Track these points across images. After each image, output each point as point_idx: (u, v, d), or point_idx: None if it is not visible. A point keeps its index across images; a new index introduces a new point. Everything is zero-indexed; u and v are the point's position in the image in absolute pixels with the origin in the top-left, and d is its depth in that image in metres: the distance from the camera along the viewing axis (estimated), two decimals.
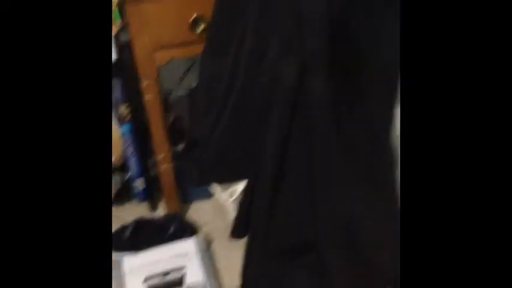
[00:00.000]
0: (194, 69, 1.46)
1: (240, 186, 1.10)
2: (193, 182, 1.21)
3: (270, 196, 1.03)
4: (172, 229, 1.34)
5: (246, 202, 1.06)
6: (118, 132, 1.31)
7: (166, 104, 1.46)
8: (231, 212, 1.17)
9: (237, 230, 1.11)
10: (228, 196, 1.15)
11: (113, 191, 1.40)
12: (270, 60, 0.98)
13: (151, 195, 1.43)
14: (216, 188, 1.19)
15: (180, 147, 1.37)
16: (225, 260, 1.32)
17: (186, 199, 1.44)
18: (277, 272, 1.12)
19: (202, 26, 1.10)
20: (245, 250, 1.13)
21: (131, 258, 1.29)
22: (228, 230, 1.28)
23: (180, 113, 1.49)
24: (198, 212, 1.44)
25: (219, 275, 1.28)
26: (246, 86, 1.01)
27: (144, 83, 1.16)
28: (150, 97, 1.19)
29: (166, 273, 1.24)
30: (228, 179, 1.14)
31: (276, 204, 1.04)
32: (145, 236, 1.36)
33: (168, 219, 1.38)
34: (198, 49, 1.15)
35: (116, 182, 1.43)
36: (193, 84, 1.56)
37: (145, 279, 1.23)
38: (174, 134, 1.42)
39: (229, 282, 1.27)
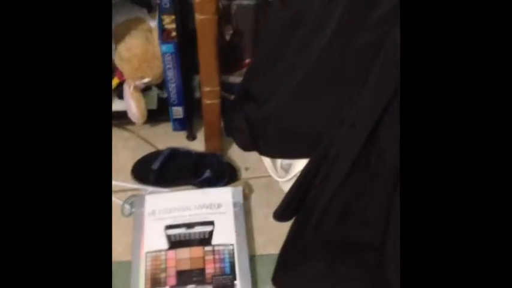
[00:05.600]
0: None
1: (299, 164, 0.85)
2: (240, 145, 0.96)
3: (339, 183, 0.79)
4: (208, 172, 1.13)
5: (303, 186, 0.82)
6: (158, 49, 1.04)
7: (226, 14, 1.16)
8: (281, 188, 0.94)
9: (283, 212, 0.89)
10: (281, 171, 0.91)
11: (147, 108, 1.17)
12: (379, 16, 0.68)
13: (190, 123, 1.20)
14: (265, 158, 0.95)
15: (233, 78, 1.10)
16: (262, 219, 1.12)
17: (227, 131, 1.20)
18: (324, 262, 0.93)
19: None
20: (292, 230, 0.93)
21: (155, 198, 1.12)
22: (271, 181, 1.07)
23: (241, 26, 1.19)
24: (241, 151, 1.22)
25: (252, 237, 1.09)
26: (338, 39, 0.72)
27: None
28: (204, 18, 0.90)
29: (191, 225, 1.06)
30: (285, 154, 0.89)
31: (344, 193, 0.81)
32: (176, 171, 1.16)
33: (206, 158, 1.17)
34: None
35: (151, 99, 1.21)
36: None
37: (167, 228, 1.06)
38: (228, 54, 1.15)
39: (262, 247, 1.09)
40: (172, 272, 1.01)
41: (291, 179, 0.87)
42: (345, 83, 0.74)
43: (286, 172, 0.93)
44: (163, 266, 1.01)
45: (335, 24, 0.69)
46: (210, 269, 1.01)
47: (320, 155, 0.77)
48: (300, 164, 0.84)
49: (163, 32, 1.02)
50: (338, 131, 0.75)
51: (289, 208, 0.88)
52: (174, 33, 1.01)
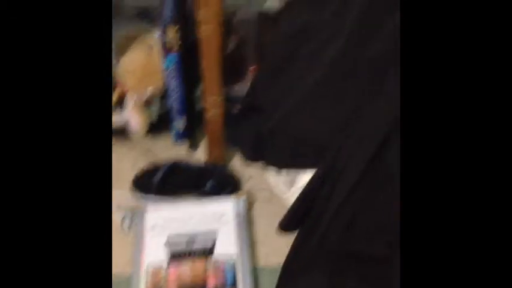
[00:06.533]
0: None
1: (304, 177, 0.85)
2: (245, 156, 0.96)
3: (346, 194, 0.78)
4: (210, 183, 1.13)
5: (309, 196, 0.81)
6: (160, 61, 1.04)
7: (228, 25, 1.16)
8: (285, 201, 0.94)
9: (288, 222, 0.88)
10: (286, 184, 0.90)
11: (148, 121, 1.17)
12: (391, 27, 0.68)
13: (192, 135, 1.20)
14: (269, 171, 0.94)
15: (237, 89, 1.10)
16: (264, 229, 1.11)
17: (232, 143, 1.20)
18: (325, 275, 0.92)
19: None
20: (296, 241, 0.92)
21: (156, 211, 1.10)
22: (275, 192, 1.06)
23: (244, 36, 1.19)
24: (243, 161, 1.21)
25: (255, 248, 1.08)
26: (350, 49, 0.72)
27: (203, 11, 0.87)
28: (208, 28, 0.90)
29: (193, 236, 1.05)
30: (291, 165, 0.88)
31: (350, 204, 0.80)
32: (178, 183, 1.16)
33: (208, 169, 1.16)
34: None
35: (152, 111, 1.20)
36: (267, 3, 1.24)
37: (168, 240, 1.05)
38: (231, 64, 1.15)
39: (264, 259, 1.08)
40: (173, 287, 0.99)
41: (295, 192, 0.86)
42: (355, 93, 0.74)
43: (289, 188, 0.92)
44: (163, 282, 1.00)
45: (347, 34, 0.69)
46: (211, 283, 1.00)
47: (327, 166, 0.77)
48: (304, 177, 0.84)
49: (165, 44, 1.02)
50: (346, 143, 0.74)
51: (294, 218, 0.88)
52: (176, 45, 1.01)
